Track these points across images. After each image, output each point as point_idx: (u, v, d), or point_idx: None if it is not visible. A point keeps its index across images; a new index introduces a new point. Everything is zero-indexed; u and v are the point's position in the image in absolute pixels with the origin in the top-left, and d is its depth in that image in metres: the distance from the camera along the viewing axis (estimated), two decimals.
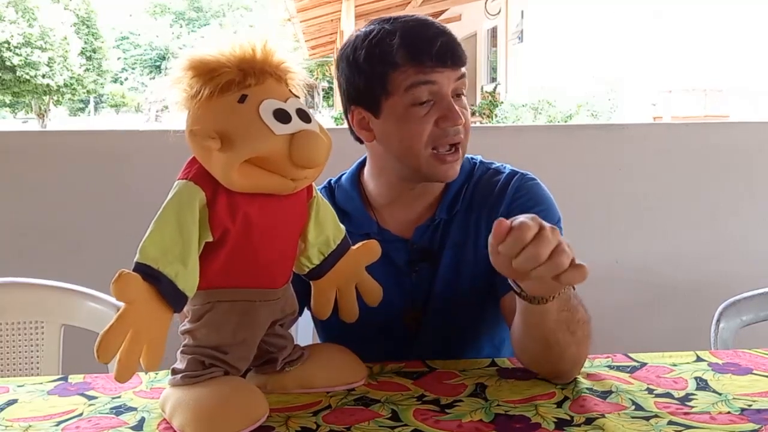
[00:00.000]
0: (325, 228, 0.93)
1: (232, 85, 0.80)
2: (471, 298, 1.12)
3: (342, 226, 0.96)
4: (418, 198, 1.14)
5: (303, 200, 0.90)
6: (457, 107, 1.04)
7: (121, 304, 0.75)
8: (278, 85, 0.84)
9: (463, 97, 1.08)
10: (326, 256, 0.94)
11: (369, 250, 0.97)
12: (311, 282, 0.97)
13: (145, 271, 0.77)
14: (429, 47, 1.02)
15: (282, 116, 0.80)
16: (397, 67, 1.03)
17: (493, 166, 1.18)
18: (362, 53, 1.05)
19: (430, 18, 1.10)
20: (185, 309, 0.84)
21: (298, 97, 0.85)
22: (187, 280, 0.79)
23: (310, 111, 0.84)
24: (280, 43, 0.84)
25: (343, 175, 1.21)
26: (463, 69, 1.06)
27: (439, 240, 1.13)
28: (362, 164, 1.19)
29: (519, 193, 1.11)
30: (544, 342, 0.92)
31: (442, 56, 1.03)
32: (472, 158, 1.19)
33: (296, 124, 0.80)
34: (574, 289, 0.93)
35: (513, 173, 1.15)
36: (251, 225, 0.83)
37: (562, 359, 0.94)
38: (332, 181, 1.21)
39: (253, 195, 0.82)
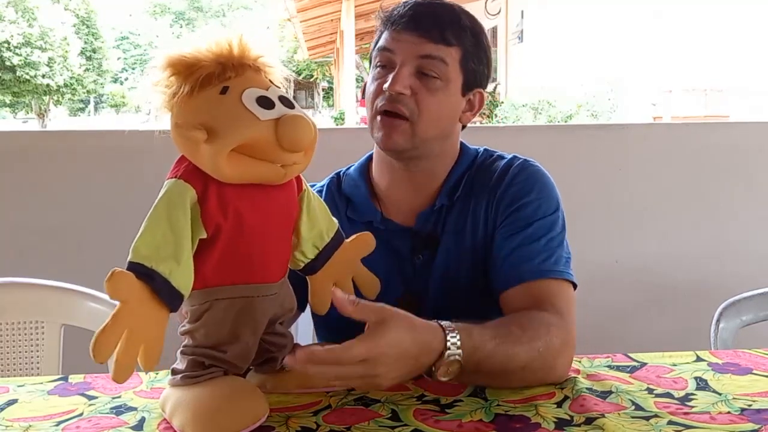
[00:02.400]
0: (318, 221, 0.93)
1: (212, 79, 0.81)
2: (469, 285, 1.11)
3: (335, 220, 0.96)
4: (419, 185, 1.13)
5: (293, 193, 0.90)
6: (401, 77, 1.03)
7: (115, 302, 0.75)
8: (258, 76, 0.84)
9: (431, 78, 1.05)
10: (321, 249, 0.93)
11: (363, 242, 0.97)
12: (308, 278, 0.97)
13: (138, 269, 0.76)
14: (399, 11, 1.06)
15: (265, 103, 0.80)
16: (382, 29, 1.09)
17: (497, 153, 1.18)
18: (377, 15, 1.12)
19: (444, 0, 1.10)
20: (184, 310, 0.84)
21: (280, 87, 0.86)
22: (182, 277, 0.78)
23: (292, 98, 0.85)
24: (258, 39, 0.85)
25: (352, 166, 1.22)
26: (436, 46, 1.04)
27: (441, 226, 1.13)
28: (372, 156, 1.20)
29: (516, 180, 1.10)
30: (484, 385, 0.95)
31: (406, 22, 1.05)
32: (477, 148, 1.19)
33: (280, 109, 0.81)
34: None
35: (514, 159, 1.14)
36: (243, 220, 0.83)
37: (508, 386, 0.95)
38: (341, 172, 1.22)
39: (243, 189, 0.82)
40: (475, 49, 1.09)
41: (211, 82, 0.80)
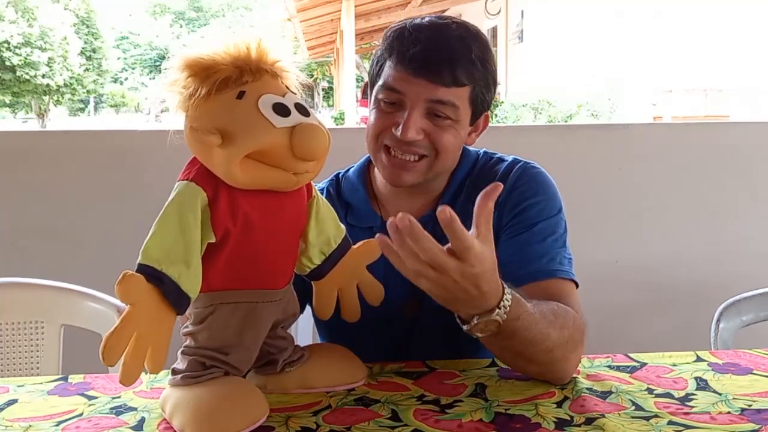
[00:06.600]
0: (326, 228, 0.93)
1: (229, 83, 0.81)
2: None
3: (342, 226, 0.97)
4: (420, 190, 1.13)
5: (303, 200, 0.90)
6: (414, 123, 1.02)
7: (123, 305, 0.75)
8: (275, 81, 0.84)
9: (442, 119, 1.04)
10: (327, 255, 0.94)
11: (369, 249, 0.97)
12: (313, 283, 0.97)
13: (148, 272, 0.76)
14: (410, 49, 1.03)
15: (281, 110, 0.80)
16: (387, 59, 1.06)
17: (497, 155, 1.18)
18: (385, 34, 1.09)
19: (451, 23, 1.07)
20: (187, 311, 0.84)
21: (295, 94, 0.85)
22: (191, 281, 0.79)
23: (308, 106, 0.84)
24: (275, 43, 0.84)
25: (351, 168, 1.22)
26: (447, 90, 1.02)
27: (441, 231, 1.12)
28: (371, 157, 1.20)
29: (519, 182, 1.11)
30: (502, 358, 0.97)
31: (417, 67, 1.02)
32: (477, 150, 1.19)
33: (296, 117, 0.81)
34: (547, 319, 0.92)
35: (515, 162, 1.15)
36: (252, 225, 0.83)
37: (527, 372, 0.96)
38: (340, 174, 1.22)
39: (253, 195, 0.82)
40: (484, 79, 1.07)
41: (228, 86, 0.80)
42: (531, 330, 0.89)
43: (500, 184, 0.81)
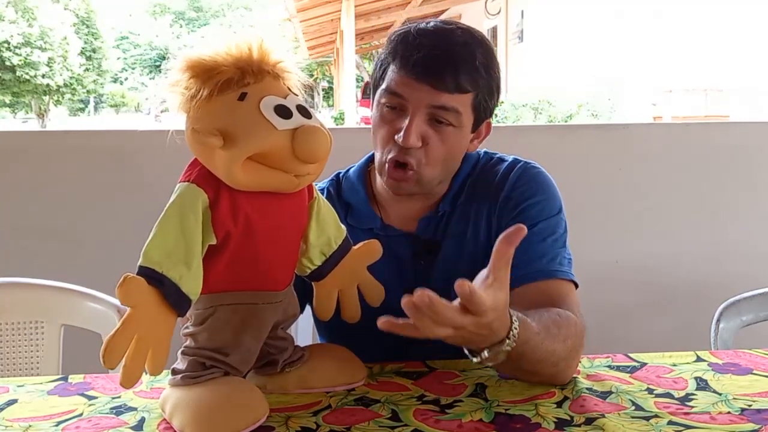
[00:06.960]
0: (327, 229, 0.93)
1: (231, 84, 0.81)
2: None
3: (343, 227, 0.96)
4: (422, 194, 1.13)
5: (304, 201, 0.90)
6: (415, 129, 1.02)
7: (123, 306, 0.75)
8: (277, 83, 0.84)
9: (444, 125, 1.04)
10: (328, 256, 0.94)
11: (370, 250, 0.97)
12: (313, 283, 0.97)
13: (149, 274, 0.76)
14: (413, 53, 1.02)
15: (283, 112, 0.80)
16: (390, 63, 1.06)
17: (497, 155, 1.18)
18: (389, 38, 1.09)
19: (456, 28, 1.05)
20: (187, 313, 0.84)
21: (297, 95, 0.85)
22: (191, 283, 0.79)
23: (310, 107, 0.84)
24: (277, 43, 0.84)
25: (351, 168, 1.21)
26: (450, 96, 1.02)
27: (442, 231, 1.13)
28: (372, 157, 1.19)
29: (519, 182, 1.11)
30: (507, 374, 0.97)
31: (420, 72, 1.01)
32: (478, 151, 1.18)
33: (297, 119, 0.81)
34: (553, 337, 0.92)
35: (515, 162, 1.15)
36: (253, 227, 0.83)
37: (529, 381, 0.96)
38: (340, 174, 1.22)
39: (254, 196, 0.82)
40: (487, 86, 1.06)
41: (230, 87, 0.80)
42: (538, 350, 0.89)
43: (524, 227, 0.81)
